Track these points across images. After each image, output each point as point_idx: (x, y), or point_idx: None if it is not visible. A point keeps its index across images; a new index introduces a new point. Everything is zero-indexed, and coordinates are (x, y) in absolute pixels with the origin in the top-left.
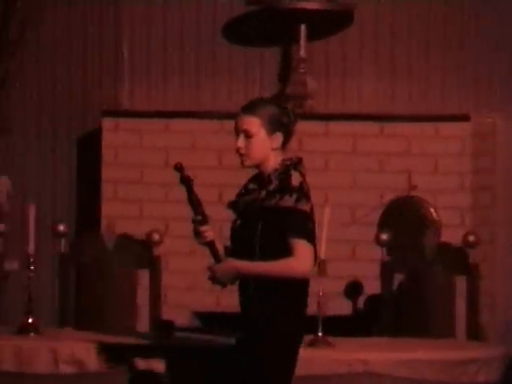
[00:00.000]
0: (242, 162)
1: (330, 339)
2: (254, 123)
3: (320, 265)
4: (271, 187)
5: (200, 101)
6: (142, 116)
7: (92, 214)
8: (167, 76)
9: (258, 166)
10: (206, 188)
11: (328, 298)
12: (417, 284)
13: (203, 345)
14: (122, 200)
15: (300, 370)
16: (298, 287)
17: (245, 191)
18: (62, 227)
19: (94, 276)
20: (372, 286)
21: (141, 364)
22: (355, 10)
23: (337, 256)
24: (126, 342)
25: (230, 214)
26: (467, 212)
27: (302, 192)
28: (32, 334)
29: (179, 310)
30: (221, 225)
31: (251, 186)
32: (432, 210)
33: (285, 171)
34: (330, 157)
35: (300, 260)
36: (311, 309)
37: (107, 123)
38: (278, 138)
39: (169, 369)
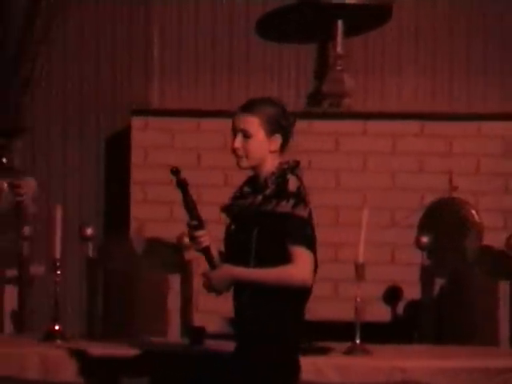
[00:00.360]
0: (238, 163)
1: (368, 346)
2: (253, 123)
3: (358, 269)
4: (268, 192)
5: (232, 99)
6: (172, 115)
7: (121, 217)
8: (199, 74)
9: (254, 169)
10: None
11: (366, 303)
12: (458, 289)
13: (200, 352)
14: (152, 202)
15: (336, 378)
16: (294, 294)
17: (240, 194)
18: (89, 230)
19: (123, 281)
20: (412, 291)
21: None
22: (394, 5)
23: (375, 260)
24: (151, 349)
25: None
26: (510, 214)
27: (300, 197)
28: (58, 341)
29: (211, 315)
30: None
31: (246, 189)
32: (474, 212)
33: (282, 175)
34: (369, 157)
35: (299, 267)
36: (349, 315)
37: (137, 122)
38: (277, 140)
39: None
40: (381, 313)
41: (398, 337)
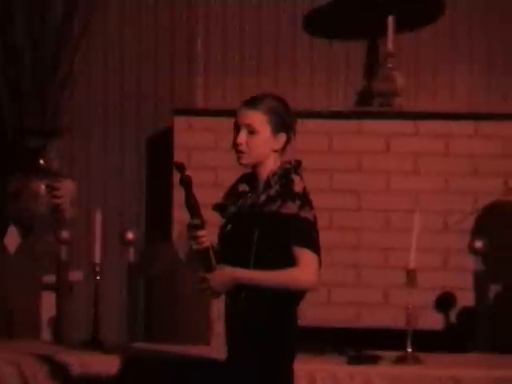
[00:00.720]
0: (239, 159)
1: (420, 355)
2: (259, 119)
3: (409, 275)
4: (272, 191)
5: None
6: (216, 115)
7: (163, 221)
8: (244, 72)
9: (254, 167)
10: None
11: (418, 310)
12: None
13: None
14: None
15: None
16: (291, 298)
17: (233, 193)
18: (130, 235)
19: (165, 287)
20: (465, 298)
21: None
22: (447, 0)
23: (427, 265)
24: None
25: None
26: None
27: (306, 198)
28: (98, 350)
29: None
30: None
31: (242, 187)
32: None
33: (285, 175)
34: (421, 159)
35: (306, 271)
36: (400, 323)
37: (179, 122)
38: (282, 138)
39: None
40: (433, 320)
41: (451, 345)
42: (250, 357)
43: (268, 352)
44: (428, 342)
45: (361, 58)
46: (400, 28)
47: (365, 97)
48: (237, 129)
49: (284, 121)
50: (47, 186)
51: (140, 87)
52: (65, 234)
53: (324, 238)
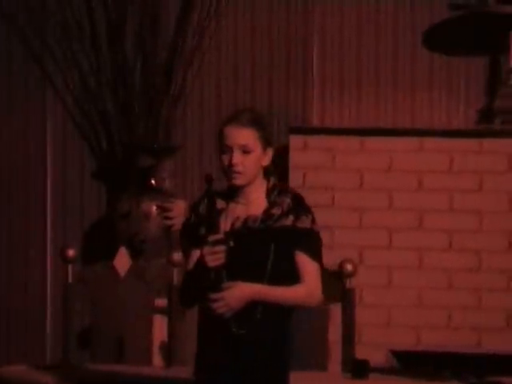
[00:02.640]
0: (233, 180)
1: None
2: (252, 136)
3: None
4: (285, 207)
5: (397, 117)
6: (333, 133)
7: None
8: (361, 90)
9: (244, 185)
10: (404, 212)
11: None
12: None
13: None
14: None
15: None
16: (292, 313)
17: (212, 211)
18: None
19: None
20: None
21: None
22: None
23: None
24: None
25: (431, 240)
26: None
27: (313, 213)
28: None
29: (374, 348)
30: (421, 255)
31: (220, 204)
32: None
33: (287, 190)
34: None
35: (318, 286)
36: None
37: (295, 141)
38: (270, 153)
39: None
40: None
41: None
42: (264, 373)
43: (280, 366)
44: None
45: (481, 74)
46: None
47: (486, 115)
48: (228, 148)
49: (270, 135)
50: (158, 207)
51: (255, 104)
52: (177, 257)
53: (446, 260)
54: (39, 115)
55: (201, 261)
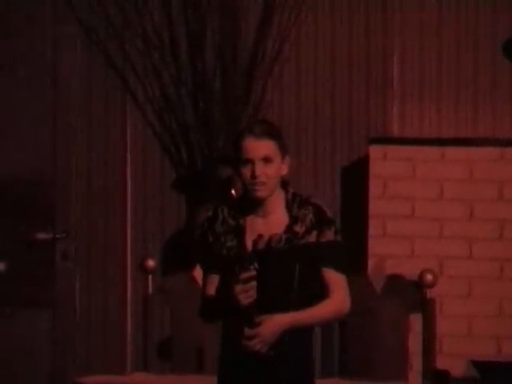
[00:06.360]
0: (256, 192)
1: None
2: (271, 147)
3: None
4: (308, 223)
5: (477, 126)
6: (413, 143)
7: (358, 253)
8: (441, 99)
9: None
10: (483, 223)
11: None
12: None
13: None
14: (392, 237)
15: None
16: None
17: (226, 227)
18: None
19: (360, 321)
20: None
21: None
22: None
23: None
24: None
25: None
26: None
27: (336, 223)
28: None
29: (455, 358)
30: (501, 264)
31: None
32: None
33: (307, 202)
34: None
35: (347, 299)
36: None
37: (375, 152)
38: (288, 163)
39: None
40: None
41: None
42: None
43: (307, 379)
44: None
45: None
46: None
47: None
48: (249, 160)
49: (286, 144)
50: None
51: (335, 115)
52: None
53: None
54: (119, 127)
55: (232, 299)
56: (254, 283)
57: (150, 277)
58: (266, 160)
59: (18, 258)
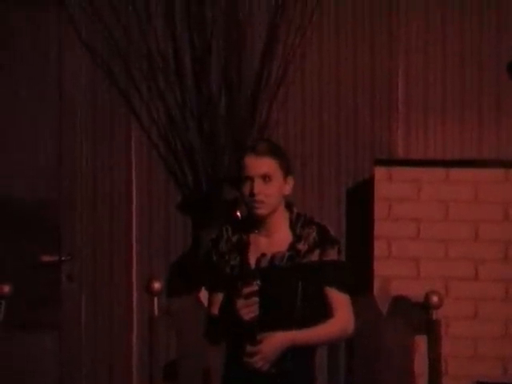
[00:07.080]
0: (255, 210)
1: None
2: (273, 166)
3: None
4: (311, 242)
5: (482, 148)
6: (418, 165)
7: (363, 274)
8: (446, 120)
9: (267, 215)
10: (489, 244)
11: None
12: None
13: None
14: (397, 258)
15: None
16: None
17: (230, 246)
18: None
19: (366, 343)
20: None
21: None
22: None
23: None
24: None
25: None
26: None
27: (339, 243)
28: None
29: (461, 380)
30: (507, 286)
31: (234, 238)
32: None
33: (311, 221)
34: None
35: (351, 319)
36: None
37: (380, 173)
38: (291, 182)
39: None
40: None
41: None
42: None
43: None
44: None
45: None
46: None
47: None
48: (249, 177)
49: (289, 163)
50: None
51: (340, 137)
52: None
53: None
54: (124, 148)
55: (234, 314)
56: (256, 299)
57: (156, 299)
58: (266, 178)
59: (23, 280)
